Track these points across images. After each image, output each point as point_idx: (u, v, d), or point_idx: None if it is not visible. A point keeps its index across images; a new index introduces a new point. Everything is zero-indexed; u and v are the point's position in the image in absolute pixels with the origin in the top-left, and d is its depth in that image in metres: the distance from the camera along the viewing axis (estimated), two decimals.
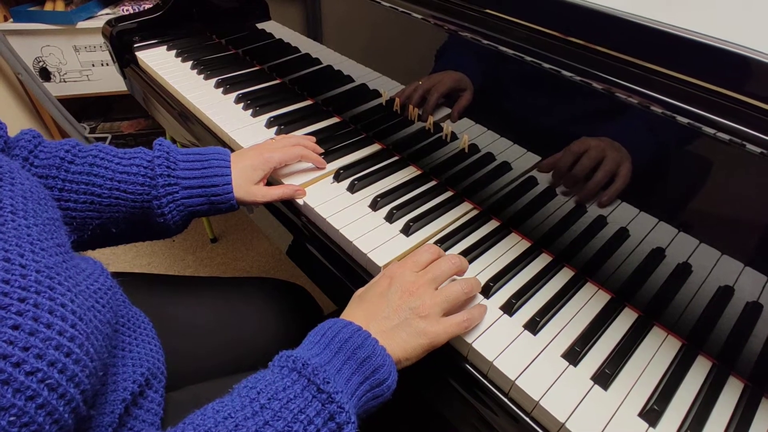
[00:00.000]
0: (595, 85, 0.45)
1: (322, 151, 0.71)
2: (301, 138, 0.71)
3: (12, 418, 0.26)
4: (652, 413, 0.43)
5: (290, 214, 0.66)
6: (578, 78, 0.46)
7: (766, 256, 0.43)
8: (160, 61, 0.97)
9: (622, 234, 0.52)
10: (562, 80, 0.48)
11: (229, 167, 0.59)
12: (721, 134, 0.38)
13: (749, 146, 0.37)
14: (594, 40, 0.45)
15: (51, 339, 0.29)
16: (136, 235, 0.59)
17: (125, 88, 1.15)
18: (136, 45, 1.02)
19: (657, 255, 0.50)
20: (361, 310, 0.46)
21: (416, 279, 0.47)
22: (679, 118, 0.40)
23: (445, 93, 0.63)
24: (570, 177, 0.53)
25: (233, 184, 0.59)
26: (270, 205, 0.70)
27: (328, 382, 0.37)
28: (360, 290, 0.49)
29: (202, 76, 0.92)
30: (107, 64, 1.57)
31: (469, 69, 0.59)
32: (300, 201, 0.64)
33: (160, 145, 0.57)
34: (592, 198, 0.52)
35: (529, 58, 0.49)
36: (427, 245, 0.51)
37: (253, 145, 0.66)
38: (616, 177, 0.49)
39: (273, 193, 0.63)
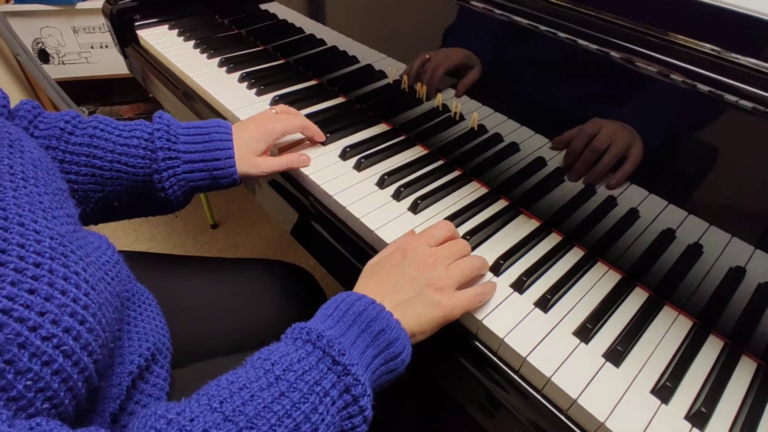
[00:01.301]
0: (613, 54, 0.44)
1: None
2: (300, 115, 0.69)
3: (28, 383, 0.26)
4: (664, 390, 0.42)
5: (296, 192, 0.65)
6: (595, 47, 0.45)
7: None
8: (163, 40, 0.96)
9: (633, 214, 0.51)
10: (578, 51, 0.47)
11: (231, 140, 0.58)
12: (743, 102, 0.37)
13: None
14: (611, 9, 0.44)
15: (66, 306, 0.29)
16: (138, 209, 0.58)
17: (125, 71, 1.14)
18: (137, 24, 1.01)
19: (667, 235, 0.49)
20: (375, 282, 0.45)
21: (432, 252, 0.46)
22: (700, 86, 0.39)
23: (454, 68, 0.61)
24: (580, 158, 0.52)
25: (236, 157, 0.57)
26: (275, 184, 0.69)
27: (344, 354, 0.36)
28: (371, 261, 0.48)
29: (205, 55, 0.91)
30: (106, 47, 1.55)
31: (479, 44, 0.58)
32: (305, 172, 0.63)
33: (160, 117, 0.56)
34: (602, 179, 0.51)
35: (544, 28, 0.48)
36: (443, 222, 0.51)
37: (253, 115, 0.65)
38: (627, 159, 0.49)
39: (277, 163, 0.61)
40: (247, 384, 0.33)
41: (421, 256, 0.46)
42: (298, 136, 0.68)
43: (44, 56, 1.56)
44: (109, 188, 0.52)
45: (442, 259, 0.46)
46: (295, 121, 0.65)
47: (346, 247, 0.59)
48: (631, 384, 0.43)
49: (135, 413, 0.34)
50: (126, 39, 1.02)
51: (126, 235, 1.52)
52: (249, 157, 0.59)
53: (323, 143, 0.69)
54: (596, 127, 0.50)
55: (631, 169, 0.49)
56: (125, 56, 1.06)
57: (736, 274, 0.46)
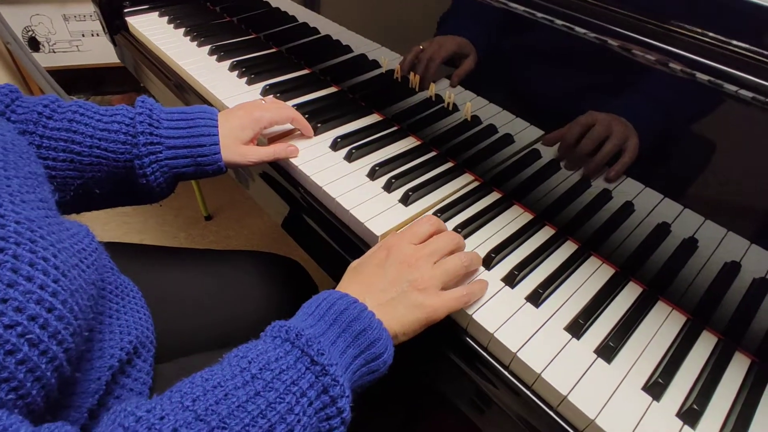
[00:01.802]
0: (610, 42, 0.43)
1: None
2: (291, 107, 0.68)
3: None
4: (656, 387, 0.41)
5: (287, 184, 0.64)
6: (593, 35, 0.44)
7: None
8: (152, 27, 0.94)
9: (628, 208, 0.50)
10: (575, 39, 0.45)
11: (217, 127, 0.56)
12: (743, 92, 0.36)
13: None
14: None
15: (32, 292, 0.28)
16: (120, 197, 0.56)
17: (116, 60, 1.11)
18: (126, 10, 0.98)
19: (663, 229, 0.48)
20: (357, 283, 0.44)
21: (415, 251, 0.45)
22: (699, 76, 0.38)
23: (449, 57, 0.60)
24: (575, 151, 0.51)
25: (221, 144, 0.56)
26: (266, 176, 0.68)
27: (323, 354, 0.35)
28: (355, 261, 0.47)
29: (195, 43, 0.89)
30: (97, 35, 1.52)
31: (474, 32, 0.56)
32: (295, 163, 0.61)
33: (142, 102, 0.54)
34: (599, 172, 0.50)
35: (540, 15, 0.47)
36: (427, 216, 0.49)
37: (241, 103, 0.63)
38: (623, 152, 0.48)
39: (264, 152, 0.60)
40: (222, 382, 0.32)
41: (404, 255, 0.44)
42: (288, 126, 0.67)
43: (34, 44, 1.53)
44: (89, 175, 0.50)
45: (426, 257, 0.45)
46: (285, 112, 0.63)
47: (337, 240, 0.58)
48: (622, 380, 0.42)
49: (109, 409, 0.33)
50: (115, 26, 1.00)
51: (117, 226, 1.50)
52: (235, 145, 0.58)
53: (314, 134, 0.67)
54: (593, 119, 0.48)
55: (629, 162, 0.48)
56: (115, 44, 1.04)
57: (732, 268, 0.45)
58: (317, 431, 0.35)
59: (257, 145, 0.62)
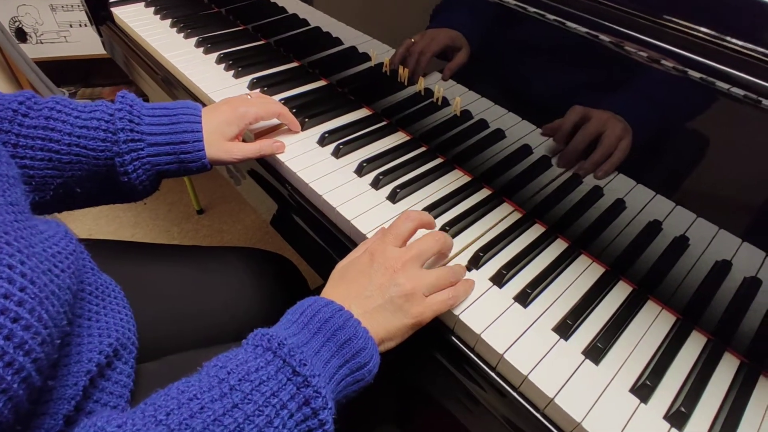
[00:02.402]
0: (602, 37, 0.41)
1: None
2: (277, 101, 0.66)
3: None
4: (644, 389, 0.41)
5: (274, 181, 0.63)
6: (585, 30, 0.42)
7: (766, 230, 0.41)
8: (138, 19, 0.92)
9: (619, 205, 0.49)
10: (567, 34, 0.44)
11: (200, 123, 0.55)
12: (735, 89, 0.35)
13: (765, 102, 0.34)
14: None
15: None
16: (102, 196, 0.55)
17: (104, 52, 1.09)
18: (112, 0, 0.96)
19: (654, 227, 0.47)
20: (342, 288, 0.43)
21: (400, 255, 0.44)
22: (691, 73, 0.37)
23: (440, 50, 0.59)
24: (567, 147, 0.50)
25: (205, 141, 0.54)
26: (255, 174, 0.67)
27: (305, 365, 0.34)
28: (341, 264, 0.46)
29: (182, 34, 0.87)
30: (85, 25, 1.49)
31: (465, 26, 0.55)
32: (281, 159, 0.60)
33: (122, 97, 0.53)
34: (589, 169, 0.49)
35: (532, 9, 0.45)
36: (405, 212, 0.47)
37: (226, 98, 0.62)
38: (616, 148, 0.47)
39: (250, 149, 0.59)
40: (198, 394, 0.31)
41: (388, 260, 0.43)
42: (274, 121, 0.66)
43: (21, 35, 1.51)
44: (69, 173, 0.49)
45: (411, 261, 0.43)
46: (271, 107, 0.62)
47: (324, 239, 0.57)
48: (610, 382, 0.41)
49: (81, 421, 0.32)
50: (101, 17, 0.98)
51: (109, 222, 1.49)
52: (219, 142, 0.56)
53: (302, 128, 0.66)
54: (585, 116, 0.47)
55: (619, 161, 0.47)
56: (101, 35, 1.02)
57: (722, 267, 0.44)
58: None
59: (243, 141, 0.61)
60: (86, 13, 1.00)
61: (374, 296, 0.42)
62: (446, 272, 0.45)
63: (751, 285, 0.43)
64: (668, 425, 0.39)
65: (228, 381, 0.32)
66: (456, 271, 0.46)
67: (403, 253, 0.44)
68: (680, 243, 0.46)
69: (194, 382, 0.32)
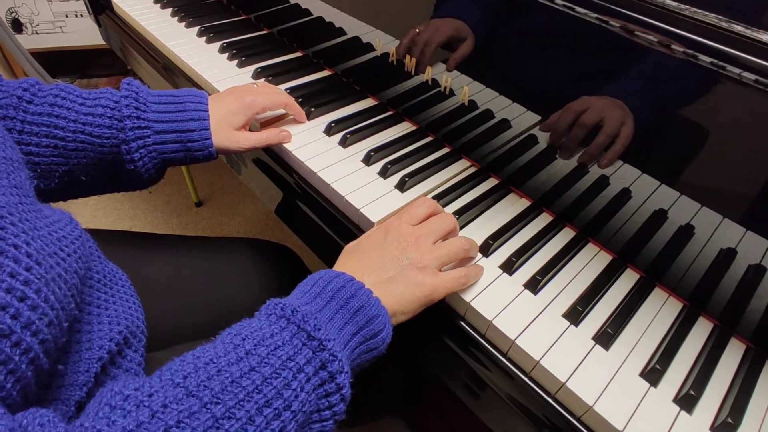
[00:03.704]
0: (612, 23, 0.41)
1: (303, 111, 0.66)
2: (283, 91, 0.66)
3: None
4: (653, 373, 0.41)
5: (280, 170, 0.63)
6: (594, 15, 0.42)
7: None
8: (138, 8, 0.91)
9: (625, 194, 0.50)
10: (575, 20, 0.44)
11: (207, 111, 0.54)
12: (746, 74, 0.36)
13: None
14: None
15: (0, 281, 0.26)
16: (107, 184, 0.54)
17: (101, 42, 1.08)
18: None
19: (659, 216, 0.48)
20: (354, 261, 0.43)
21: (414, 230, 0.45)
22: (702, 57, 0.37)
23: (445, 40, 0.58)
24: (571, 135, 0.50)
25: (211, 129, 0.54)
26: (259, 162, 0.66)
27: (320, 329, 0.34)
28: (351, 243, 0.46)
29: (183, 23, 0.86)
30: (82, 15, 1.48)
31: (472, 15, 0.55)
32: (288, 148, 0.60)
33: (128, 84, 0.52)
34: (595, 157, 0.50)
35: None
36: (423, 198, 0.49)
37: (232, 87, 0.61)
38: (619, 137, 0.47)
39: (256, 138, 0.58)
40: (214, 359, 0.31)
41: (402, 234, 0.44)
42: (280, 111, 0.65)
43: (17, 26, 1.49)
44: (74, 161, 0.49)
45: (425, 236, 0.44)
46: (278, 97, 0.62)
47: (332, 227, 0.57)
48: (620, 367, 0.42)
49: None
50: (99, 6, 0.97)
51: (107, 213, 1.48)
52: (226, 130, 0.56)
53: (308, 118, 0.66)
54: (588, 103, 0.47)
55: (622, 148, 0.47)
56: (100, 25, 1.01)
57: (727, 255, 0.45)
58: (316, 408, 0.34)
59: (249, 130, 0.61)
60: (85, 2, 0.99)
61: (387, 267, 0.42)
62: (457, 244, 0.45)
63: (756, 272, 0.44)
64: (678, 408, 0.40)
65: (243, 346, 0.32)
66: (466, 243, 0.47)
67: (417, 229, 0.45)
68: (685, 231, 0.47)
69: (209, 348, 0.32)
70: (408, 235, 0.44)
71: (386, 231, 0.45)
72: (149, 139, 0.51)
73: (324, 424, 0.35)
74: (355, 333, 0.37)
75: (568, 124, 0.50)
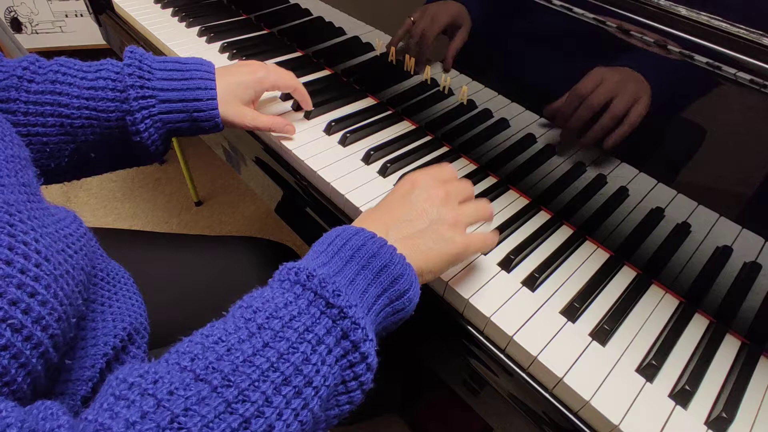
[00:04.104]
0: (609, 23, 0.42)
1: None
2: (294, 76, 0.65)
3: None
4: (650, 368, 0.42)
5: (280, 168, 0.63)
6: (591, 15, 0.43)
7: (765, 217, 0.42)
8: (138, 7, 0.91)
9: (622, 193, 0.50)
10: (572, 20, 0.45)
11: (214, 81, 0.53)
12: (741, 74, 0.36)
13: None
14: None
15: (11, 276, 0.27)
16: (117, 160, 0.53)
17: (102, 42, 1.09)
18: None
19: (656, 214, 0.48)
20: (378, 213, 0.41)
21: (443, 185, 0.43)
22: (697, 58, 0.38)
23: (443, 28, 0.58)
24: (571, 131, 0.51)
25: (219, 99, 0.53)
26: (260, 161, 0.67)
27: (339, 295, 0.31)
28: (370, 208, 0.44)
29: (184, 23, 0.87)
30: (82, 15, 1.48)
31: (469, 5, 0.55)
32: (289, 147, 0.60)
33: (131, 53, 0.50)
34: (593, 155, 0.50)
35: None
36: (446, 164, 0.47)
37: (243, 61, 0.60)
38: (614, 134, 0.47)
39: (262, 120, 0.57)
40: (224, 336, 0.28)
41: (433, 188, 0.42)
42: (284, 107, 0.66)
43: (17, 25, 1.49)
44: (82, 138, 0.48)
45: (453, 195, 0.43)
46: (289, 79, 0.60)
47: (332, 225, 0.57)
48: (616, 362, 0.43)
49: None
50: (100, 6, 0.97)
51: (108, 213, 1.48)
52: (234, 102, 0.54)
53: (308, 117, 0.66)
54: (589, 89, 0.47)
55: (621, 146, 0.48)
56: (100, 24, 1.01)
57: (723, 252, 0.45)
58: (341, 380, 0.32)
59: None
60: (85, 1, 0.99)
61: (415, 221, 0.39)
62: (482, 206, 0.44)
63: (752, 269, 0.44)
64: (673, 403, 0.40)
65: (255, 320, 0.29)
66: (489, 207, 0.46)
67: (446, 186, 0.43)
68: (682, 229, 0.47)
69: (219, 325, 0.30)
70: (438, 189, 0.42)
71: (413, 183, 0.42)
72: (154, 109, 0.50)
73: (351, 395, 0.33)
74: (379, 295, 0.34)
75: (567, 119, 0.50)
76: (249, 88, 0.56)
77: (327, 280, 0.32)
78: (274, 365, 0.28)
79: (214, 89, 0.53)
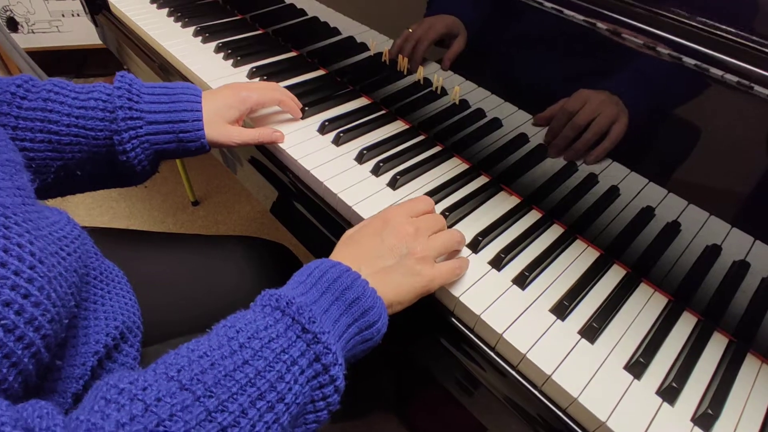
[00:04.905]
0: (600, 25, 0.42)
1: (301, 105, 0.67)
2: (280, 87, 0.67)
3: None
4: (637, 366, 0.42)
5: (275, 168, 0.64)
6: (582, 18, 0.43)
7: (754, 216, 0.42)
8: (134, 7, 0.91)
9: (613, 192, 0.51)
10: (563, 22, 0.45)
11: (200, 103, 0.55)
12: (729, 76, 0.37)
13: (757, 88, 0.36)
14: None
15: (5, 278, 0.27)
16: (102, 179, 0.55)
17: (98, 42, 1.09)
18: None
19: (647, 213, 0.49)
20: (352, 249, 0.44)
21: (413, 222, 0.45)
22: (686, 60, 0.38)
23: (438, 38, 0.59)
24: (562, 133, 0.51)
25: (205, 121, 0.54)
26: (255, 161, 0.67)
27: (314, 322, 0.34)
28: (350, 230, 0.47)
29: (179, 23, 0.87)
30: (78, 15, 1.48)
31: (463, 15, 0.56)
32: (282, 146, 0.61)
33: (122, 77, 0.52)
34: (582, 155, 0.51)
35: None
36: (423, 196, 0.50)
37: (228, 83, 0.62)
38: (608, 135, 0.48)
39: (249, 134, 0.59)
40: (208, 351, 0.31)
41: (402, 225, 0.45)
42: (275, 109, 0.66)
43: (13, 25, 1.49)
44: (69, 155, 0.49)
45: (423, 230, 0.45)
46: (273, 94, 0.62)
47: (325, 225, 0.58)
48: (605, 360, 0.43)
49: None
50: (96, 6, 0.98)
51: (103, 212, 1.48)
52: (219, 124, 0.56)
53: (302, 117, 0.66)
54: (579, 102, 0.48)
55: (611, 146, 0.48)
56: (96, 24, 1.01)
57: (713, 251, 0.46)
58: (310, 400, 0.35)
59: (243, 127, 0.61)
60: (81, 1, 0.99)
61: (385, 257, 0.43)
62: (449, 237, 0.47)
63: (740, 268, 0.45)
64: (660, 400, 0.41)
65: (237, 339, 0.32)
66: (458, 236, 0.48)
67: (416, 222, 0.46)
68: (672, 228, 0.48)
69: (204, 341, 0.33)
70: (407, 225, 0.45)
71: (385, 221, 0.45)
72: (141, 130, 0.51)
73: (318, 414, 0.36)
74: (350, 324, 0.38)
75: (559, 122, 0.51)
76: (233, 108, 0.58)
77: (304, 308, 0.35)
78: (252, 381, 0.31)
79: (200, 111, 0.54)
